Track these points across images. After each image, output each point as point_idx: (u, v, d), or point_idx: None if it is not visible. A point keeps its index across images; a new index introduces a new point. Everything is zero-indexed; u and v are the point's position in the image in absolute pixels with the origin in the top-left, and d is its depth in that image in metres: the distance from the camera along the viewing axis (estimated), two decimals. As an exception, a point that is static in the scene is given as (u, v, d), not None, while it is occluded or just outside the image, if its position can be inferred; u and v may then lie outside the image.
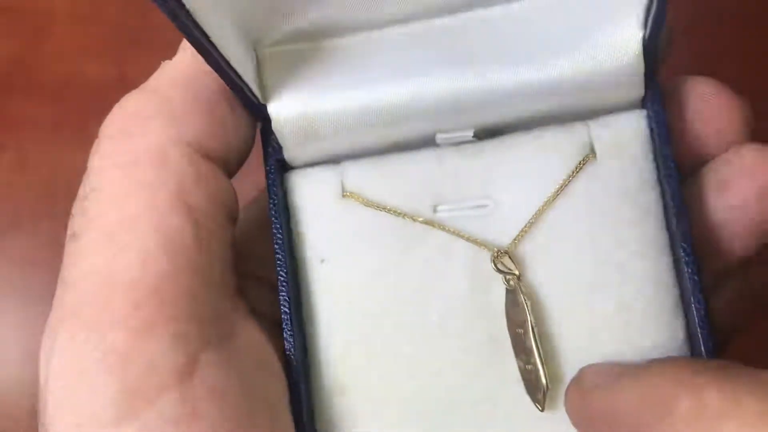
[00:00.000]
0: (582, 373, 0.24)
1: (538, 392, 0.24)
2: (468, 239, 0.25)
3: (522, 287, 0.25)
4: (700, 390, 0.19)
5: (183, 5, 0.20)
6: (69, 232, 0.23)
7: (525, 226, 0.25)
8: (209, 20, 0.21)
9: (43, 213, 0.45)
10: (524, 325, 0.24)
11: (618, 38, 0.23)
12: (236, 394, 0.22)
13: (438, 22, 0.25)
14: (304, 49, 0.25)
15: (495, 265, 0.25)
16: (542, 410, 0.25)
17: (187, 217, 0.23)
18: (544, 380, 0.24)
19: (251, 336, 0.24)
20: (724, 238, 0.25)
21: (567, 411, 0.24)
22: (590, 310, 0.25)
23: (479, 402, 0.25)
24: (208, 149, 0.24)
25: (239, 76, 0.23)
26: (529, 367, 0.24)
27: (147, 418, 0.21)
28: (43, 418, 0.21)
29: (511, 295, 0.25)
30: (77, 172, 0.24)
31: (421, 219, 0.25)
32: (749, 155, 0.25)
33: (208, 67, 0.23)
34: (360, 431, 0.25)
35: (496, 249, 0.25)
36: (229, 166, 0.25)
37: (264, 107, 0.24)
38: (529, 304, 0.24)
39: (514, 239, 0.25)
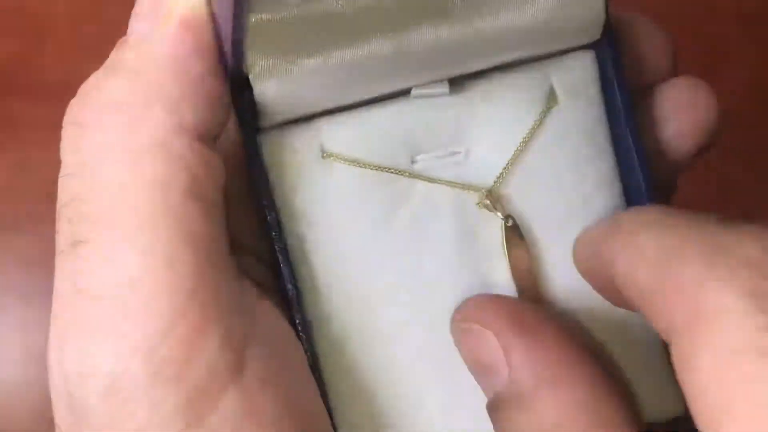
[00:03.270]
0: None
1: None
2: (454, 185, 0.25)
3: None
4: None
5: None
6: (69, 238, 0.21)
7: (502, 171, 0.25)
8: None
9: (43, 214, 0.44)
10: (529, 262, 0.25)
11: None
12: (283, 381, 0.22)
13: None
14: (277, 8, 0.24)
15: (491, 203, 0.25)
16: None
17: (202, 211, 0.22)
18: None
19: (271, 316, 0.24)
20: (660, 168, 0.26)
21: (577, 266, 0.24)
22: (565, 245, 0.25)
23: None
24: (208, 134, 0.23)
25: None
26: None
27: (213, 421, 0.20)
28: None
29: (512, 232, 0.25)
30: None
31: (407, 173, 0.25)
32: (685, 89, 0.26)
33: (197, 46, 0.22)
34: (365, 391, 0.25)
35: (483, 189, 0.25)
36: (218, 142, 0.24)
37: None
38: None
39: (495, 182, 0.25)
